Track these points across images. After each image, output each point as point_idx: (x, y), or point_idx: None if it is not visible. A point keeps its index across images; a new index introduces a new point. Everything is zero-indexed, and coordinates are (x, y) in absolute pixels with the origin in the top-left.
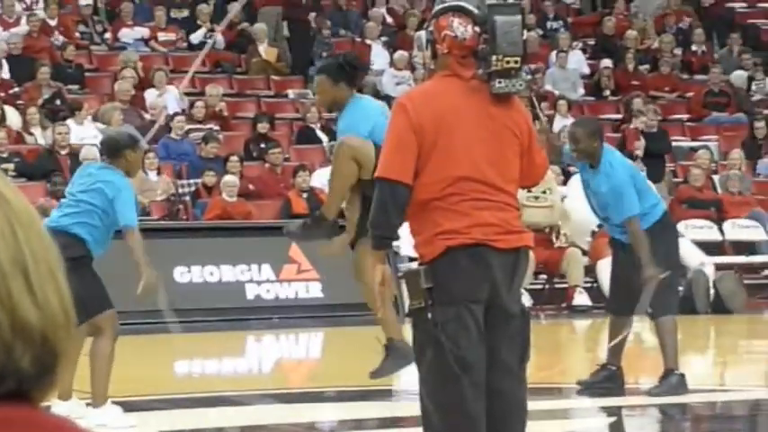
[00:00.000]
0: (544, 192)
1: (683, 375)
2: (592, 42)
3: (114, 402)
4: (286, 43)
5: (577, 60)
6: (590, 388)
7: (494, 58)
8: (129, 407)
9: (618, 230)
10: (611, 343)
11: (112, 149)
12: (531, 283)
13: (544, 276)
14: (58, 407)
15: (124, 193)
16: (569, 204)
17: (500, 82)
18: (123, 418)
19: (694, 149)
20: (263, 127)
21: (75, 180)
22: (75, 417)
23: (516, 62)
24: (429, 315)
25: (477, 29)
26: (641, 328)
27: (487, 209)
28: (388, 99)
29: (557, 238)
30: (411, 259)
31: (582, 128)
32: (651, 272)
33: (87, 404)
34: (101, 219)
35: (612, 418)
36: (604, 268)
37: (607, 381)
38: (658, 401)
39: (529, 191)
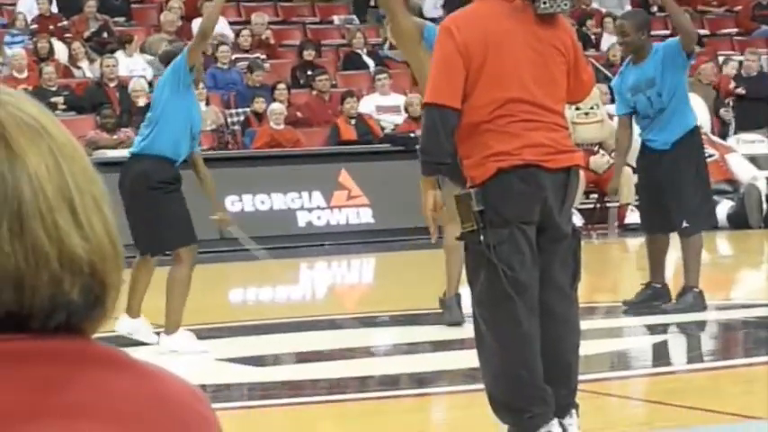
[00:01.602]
0: (592, 108)
1: (701, 292)
2: None
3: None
4: None
5: None
6: (636, 307)
7: None
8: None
9: (659, 129)
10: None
11: (171, 60)
12: (582, 203)
13: (595, 195)
14: (124, 321)
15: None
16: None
17: (545, 3)
18: (195, 343)
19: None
20: (309, 54)
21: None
22: (138, 335)
23: None
24: (481, 237)
25: None
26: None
27: (537, 129)
28: (432, 21)
29: (607, 153)
30: None
31: (630, 20)
32: None
33: (157, 332)
34: (169, 122)
35: (665, 336)
36: None
37: (653, 299)
38: (717, 317)
39: (577, 108)
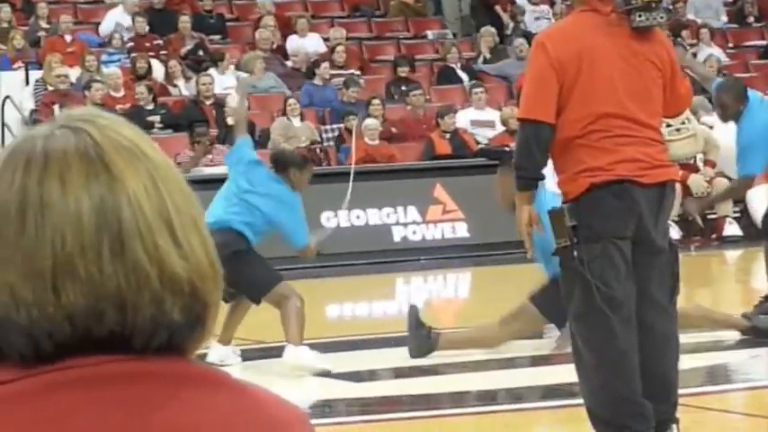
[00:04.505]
0: (683, 122)
1: None
2: None
3: (268, 347)
4: None
5: None
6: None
7: None
8: (283, 352)
9: None
10: None
11: (279, 165)
12: (680, 215)
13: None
14: (216, 349)
15: (296, 212)
16: (716, 135)
17: (641, 15)
18: (318, 361)
19: None
20: (402, 70)
21: (243, 173)
22: (228, 361)
23: None
24: (575, 253)
25: None
26: None
27: (631, 144)
28: (527, 35)
29: (705, 164)
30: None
31: (728, 93)
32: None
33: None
34: (263, 224)
35: (766, 349)
36: (754, 197)
37: None
38: None
39: (668, 125)
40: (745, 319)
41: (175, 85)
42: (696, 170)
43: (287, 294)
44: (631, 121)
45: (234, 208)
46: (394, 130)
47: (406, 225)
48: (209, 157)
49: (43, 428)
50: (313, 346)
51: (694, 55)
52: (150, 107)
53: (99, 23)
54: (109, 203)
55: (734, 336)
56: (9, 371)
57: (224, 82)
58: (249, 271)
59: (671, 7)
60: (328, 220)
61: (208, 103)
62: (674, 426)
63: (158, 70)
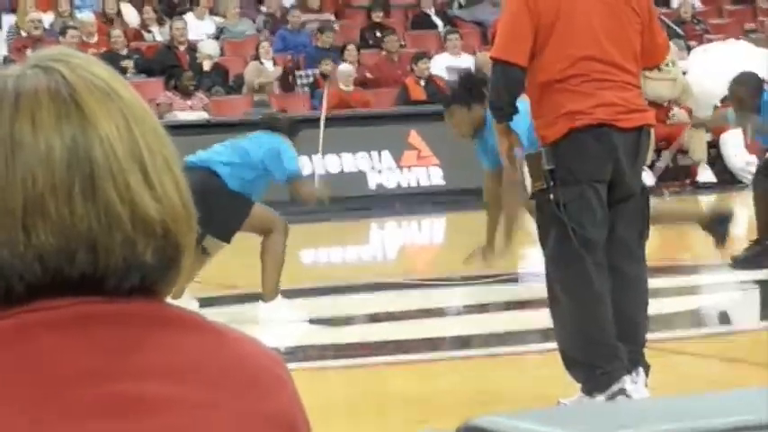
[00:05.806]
0: (667, 64)
1: None
2: None
3: (244, 294)
4: None
5: None
6: (744, 263)
7: None
8: (256, 298)
9: None
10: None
11: (269, 128)
12: (654, 160)
13: (667, 153)
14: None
15: (285, 149)
16: (691, 79)
17: None
18: (293, 311)
19: None
20: (377, 15)
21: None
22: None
23: None
24: (551, 196)
25: None
26: None
27: (610, 89)
28: None
29: (670, 111)
30: None
31: (745, 86)
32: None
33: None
34: (246, 163)
35: (742, 293)
36: (728, 142)
37: (761, 255)
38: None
39: None
40: (733, 261)
41: (150, 31)
42: (667, 111)
43: (270, 226)
44: (609, 64)
45: (219, 149)
46: (369, 75)
47: (380, 171)
48: (188, 102)
49: (20, 368)
50: (288, 292)
51: (669, 0)
52: (124, 52)
53: None
54: (80, 143)
55: (715, 280)
56: None
57: (200, 27)
58: (218, 208)
59: None
60: (302, 165)
61: (182, 48)
62: (642, 369)
63: (131, 15)
